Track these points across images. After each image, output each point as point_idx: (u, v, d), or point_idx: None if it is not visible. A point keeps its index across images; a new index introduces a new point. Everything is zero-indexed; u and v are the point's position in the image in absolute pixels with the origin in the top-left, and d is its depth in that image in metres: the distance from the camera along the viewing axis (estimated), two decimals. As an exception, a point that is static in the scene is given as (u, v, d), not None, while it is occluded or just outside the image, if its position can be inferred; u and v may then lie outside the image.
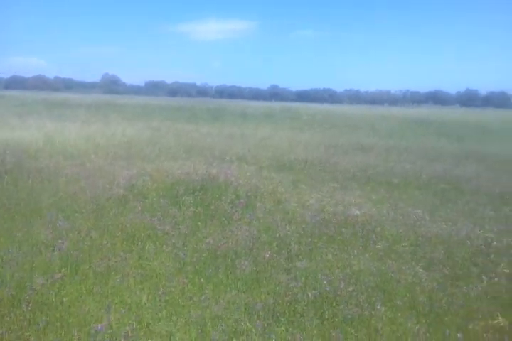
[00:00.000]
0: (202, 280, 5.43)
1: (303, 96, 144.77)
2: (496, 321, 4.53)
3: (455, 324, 4.52)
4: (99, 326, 4.13)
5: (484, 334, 4.32)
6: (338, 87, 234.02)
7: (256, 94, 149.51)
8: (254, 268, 5.73)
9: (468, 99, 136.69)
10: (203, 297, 4.90)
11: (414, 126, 33.56)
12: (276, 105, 76.53)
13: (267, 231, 7.17)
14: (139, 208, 7.83)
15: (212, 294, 5.08)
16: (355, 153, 17.41)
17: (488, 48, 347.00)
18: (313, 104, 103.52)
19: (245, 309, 4.81)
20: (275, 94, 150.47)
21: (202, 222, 7.59)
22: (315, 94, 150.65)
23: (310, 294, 4.98)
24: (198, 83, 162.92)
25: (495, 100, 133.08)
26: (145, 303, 4.78)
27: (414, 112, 67.68)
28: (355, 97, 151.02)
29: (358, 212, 7.97)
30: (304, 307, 4.82)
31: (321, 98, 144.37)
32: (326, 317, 4.69)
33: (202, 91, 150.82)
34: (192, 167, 12.00)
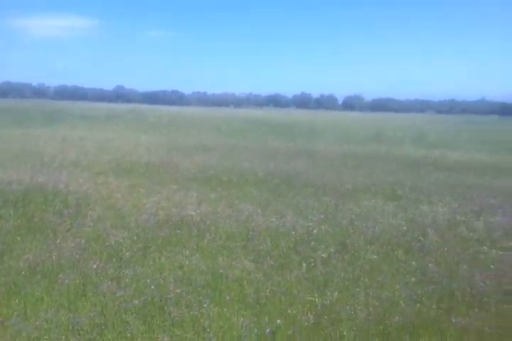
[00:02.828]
0: (17, 301, 4.86)
1: (150, 98, 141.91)
2: (310, 299, 4.97)
3: (277, 311, 4.81)
4: None
5: (302, 317, 4.67)
6: (187, 89, 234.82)
7: (100, 96, 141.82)
8: (80, 281, 5.33)
9: (303, 102, 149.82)
10: (13, 320, 4.37)
11: (255, 127, 35.45)
12: (122, 107, 73.64)
13: (97, 240, 6.76)
14: None
15: (29, 315, 4.58)
16: (198, 153, 17.62)
17: (319, 55, 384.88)
18: (161, 106, 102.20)
19: (67, 326, 4.44)
20: (121, 96, 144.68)
21: (22, 236, 6.82)
22: (163, 95, 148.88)
23: (138, 301, 4.81)
24: (35, 83, 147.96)
25: (325, 102, 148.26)
26: None
27: (256, 114, 71.57)
28: (203, 99, 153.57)
29: (193, 212, 8.02)
30: (133, 315, 4.64)
31: (170, 100, 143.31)
32: (156, 322, 4.59)
33: (38, 92, 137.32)
34: (14, 176, 10.78)
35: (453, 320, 4.60)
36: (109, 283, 5.27)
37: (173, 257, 6.20)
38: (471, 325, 4.53)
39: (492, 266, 6.08)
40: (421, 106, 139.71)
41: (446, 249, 6.74)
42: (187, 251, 6.34)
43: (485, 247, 6.81)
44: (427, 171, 15.08)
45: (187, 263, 5.94)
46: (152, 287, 5.12)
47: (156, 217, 7.85)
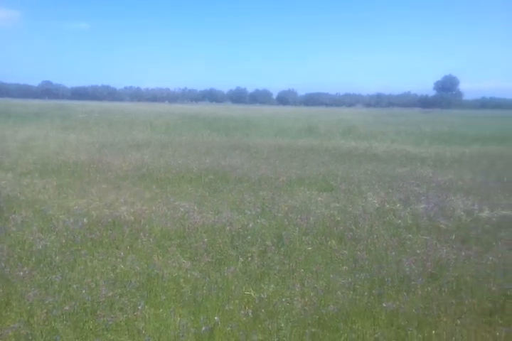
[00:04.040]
0: None
1: (80, 94, 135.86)
2: (248, 293, 4.99)
3: (215, 307, 4.78)
4: None
5: (240, 312, 4.67)
6: (118, 84, 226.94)
7: (25, 92, 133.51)
8: (3, 290, 4.98)
9: (238, 97, 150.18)
10: None
11: (190, 122, 34.97)
12: (49, 103, 69.67)
13: (22, 245, 6.35)
14: None
15: None
16: (131, 151, 17.07)
17: (253, 51, 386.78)
18: (92, 102, 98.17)
19: (-11, 341, 4.13)
20: (48, 92, 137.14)
21: None
22: (93, 91, 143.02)
23: (68, 307, 4.58)
24: None
25: (260, 97, 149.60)
26: None
27: (191, 109, 70.65)
28: (136, 95, 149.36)
29: (126, 212, 7.77)
30: (63, 323, 4.40)
31: (101, 95, 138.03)
32: (89, 327, 4.39)
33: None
34: None
35: (384, 305, 4.82)
36: (37, 290, 4.97)
37: (105, 259, 5.96)
38: (401, 308, 4.77)
39: (418, 251, 6.44)
40: (351, 100, 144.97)
41: (376, 237, 7.04)
42: (120, 253, 6.12)
43: (410, 235, 7.19)
44: (357, 162, 15.68)
45: (120, 264, 5.74)
46: (83, 291, 4.90)
47: (87, 218, 7.52)
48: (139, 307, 4.64)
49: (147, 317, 4.54)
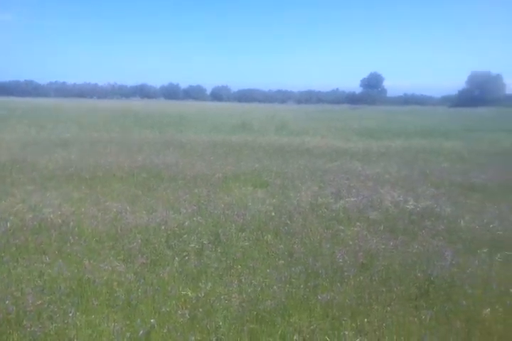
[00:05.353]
0: None
1: (0, 90, 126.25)
2: (184, 293, 4.92)
3: (151, 310, 4.66)
4: None
5: (177, 313, 4.59)
6: (42, 79, 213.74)
7: None
8: None
9: (171, 93, 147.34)
10: None
11: (121, 119, 33.84)
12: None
13: None
14: None
15: None
16: (57, 149, 16.19)
17: (185, 46, 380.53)
18: (14, 98, 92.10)
19: None
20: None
21: None
22: (16, 86, 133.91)
23: (-10, 320, 4.25)
24: None
25: (193, 93, 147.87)
26: None
27: (122, 105, 68.42)
28: (63, 90, 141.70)
29: (53, 215, 7.36)
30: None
31: (24, 91, 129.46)
32: (14, 340, 4.11)
33: None
34: None
35: (319, 297, 4.95)
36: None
37: (31, 265, 5.61)
38: (335, 299, 4.93)
39: (350, 243, 6.69)
40: (283, 97, 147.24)
41: (310, 230, 7.22)
42: (47, 258, 5.78)
43: (343, 227, 7.45)
44: (291, 157, 15.98)
45: (48, 270, 5.42)
46: (7, 302, 4.56)
47: (9, 222, 7.02)
48: (70, 315, 4.40)
49: (79, 324, 4.33)
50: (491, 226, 7.68)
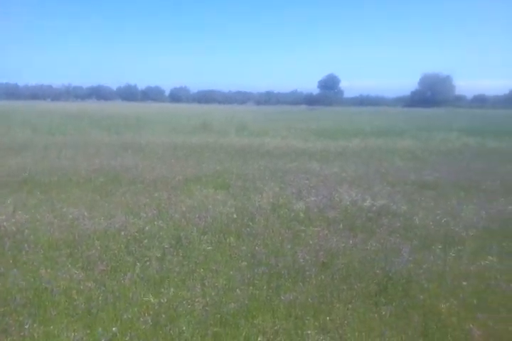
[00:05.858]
0: None
1: None
2: (146, 299, 4.86)
3: (112, 318, 4.56)
4: None
5: (140, 320, 4.51)
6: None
7: None
8: None
9: (129, 94, 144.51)
10: None
11: (76, 121, 32.87)
12: None
13: None
14: None
15: None
16: (9, 154, 15.53)
17: (141, 46, 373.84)
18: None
19: None
20: None
21: None
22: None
23: None
24: None
25: (152, 94, 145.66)
26: None
27: (77, 107, 66.49)
28: (13, 92, 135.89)
29: (5, 222, 7.06)
30: None
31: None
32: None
33: None
34: None
35: (282, 297, 5.01)
36: None
37: (-18, 277, 5.36)
38: (297, 298, 5.00)
39: (311, 242, 6.80)
40: (242, 98, 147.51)
41: (272, 231, 7.28)
42: (1, 268, 5.54)
43: (303, 227, 7.56)
44: (251, 158, 16.04)
45: (2, 281, 5.20)
46: (-44, 316, 4.35)
47: (-43, 232, 6.68)
48: (26, 327, 4.25)
49: (36, 336, 4.18)
50: (443, 221, 8.02)
